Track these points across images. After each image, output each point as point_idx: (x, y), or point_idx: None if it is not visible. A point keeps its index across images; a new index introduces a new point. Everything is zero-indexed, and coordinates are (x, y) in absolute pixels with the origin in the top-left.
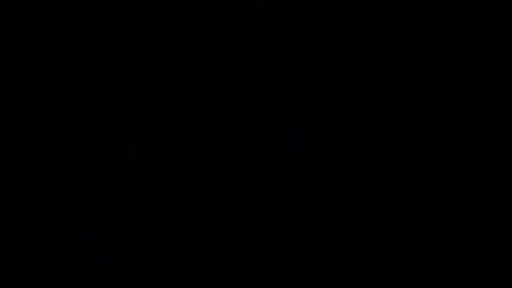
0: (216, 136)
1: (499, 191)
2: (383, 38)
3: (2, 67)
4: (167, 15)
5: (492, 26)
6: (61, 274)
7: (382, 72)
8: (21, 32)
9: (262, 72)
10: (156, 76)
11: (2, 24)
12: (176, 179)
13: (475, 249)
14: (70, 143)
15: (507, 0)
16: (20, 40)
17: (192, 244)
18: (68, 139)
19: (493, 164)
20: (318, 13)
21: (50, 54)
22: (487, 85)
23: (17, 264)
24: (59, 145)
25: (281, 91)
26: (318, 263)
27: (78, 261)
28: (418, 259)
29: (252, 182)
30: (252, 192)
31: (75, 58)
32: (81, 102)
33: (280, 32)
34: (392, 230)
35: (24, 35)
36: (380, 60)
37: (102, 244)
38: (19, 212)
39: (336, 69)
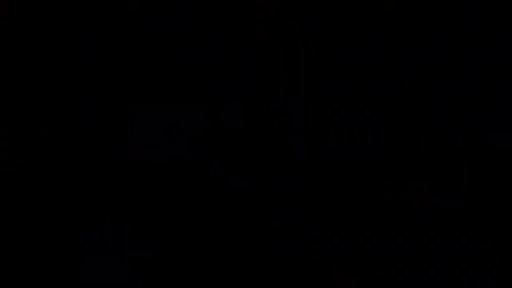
0: (216, 136)
1: (499, 191)
2: (383, 38)
3: (2, 67)
4: (167, 15)
5: (492, 26)
6: (61, 274)
7: (382, 72)
8: (21, 32)
9: (262, 72)
10: (156, 76)
11: (2, 24)
12: (176, 179)
13: (475, 249)
14: (70, 143)
15: (507, 0)
16: (20, 40)
17: (192, 244)
18: (68, 139)
19: (493, 164)
20: (318, 13)
21: (50, 54)
22: (487, 85)
23: (17, 264)
24: (59, 145)
25: (281, 91)
26: (318, 263)
27: (78, 261)
28: (418, 259)
29: (252, 182)
30: (252, 192)
31: (75, 58)
32: (81, 102)
33: (280, 32)
34: (392, 230)
35: (24, 35)
36: (380, 60)
37: (102, 244)
38: (19, 212)
39: (336, 69)
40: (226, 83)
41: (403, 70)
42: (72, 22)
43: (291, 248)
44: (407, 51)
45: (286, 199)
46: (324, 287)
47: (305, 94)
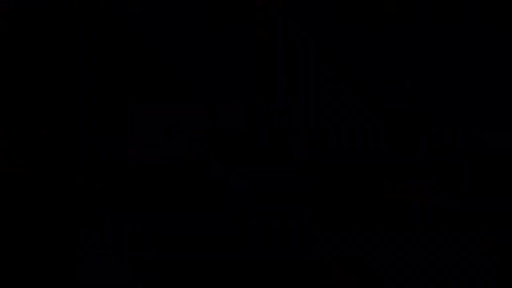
0: (216, 136)
1: (499, 191)
2: (383, 38)
3: (2, 67)
4: (167, 15)
5: (492, 26)
6: (61, 274)
7: (382, 72)
8: (21, 32)
9: (262, 72)
10: (156, 76)
11: (2, 24)
12: (176, 179)
13: (475, 249)
14: (70, 143)
15: (507, 0)
16: (20, 40)
17: (192, 244)
18: (68, 139)
19: (493, 164)
20: (318, 13)
21: (50, 54)
22: (487, 85)
23: (17, 264)
24: (59, 145)
25: (281, 91)
26: (318, 263)
27: (78, 261)
28: (418, 259)
29: (252, 182)
30: (252, 192)
31: (75, 58)
32: (81, 102)
33: (280, 32)
34: (392, 230)
35: (24, 35)
36: (380, 60)
37: (102, 244)
38: (19, 212)
39: (336, 69)
40: (226, 83)
41: (403, 70)
42: (72, 22)
43: (291, 248)
44: (407, 51)
45: (286, 199)
46: (324, 287)
47: (305, 94)
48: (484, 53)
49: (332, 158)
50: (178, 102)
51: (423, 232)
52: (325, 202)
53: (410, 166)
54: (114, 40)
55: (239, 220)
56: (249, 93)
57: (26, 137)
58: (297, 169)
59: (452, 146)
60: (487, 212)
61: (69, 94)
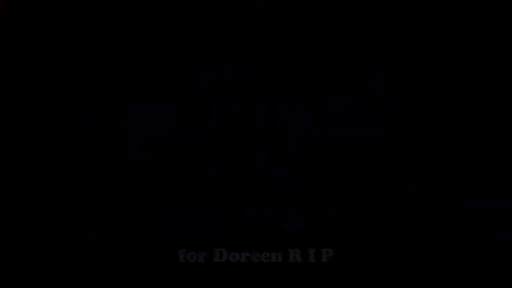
0: (216, 136)
1: (499, 191)
2: (383, 38)
3: (2, 67)
4: (167, 15)
5: (492, 26)
6: (61, 274)
7: (382, 72)
8: (21, 32)
9: (262, 72)
10: (156, 76)
11: (2, 24)
12: (176, 179)
13: (475, 249)
14: (70, 143)
15: (507, 0)
16: (20, 40)
17: (192, 244)
18: (68, 139)
19: (493, 164)
20: (318, 13)
21: (50, 54)
22: (487, 85)
23: (17, 264)
24: (59, 145)
25: (281, 91)
26: (318, 263)
27: (78, 261)
28: (418, 259)
29: (252, 182)
30: (252, 192)
31: (75, 58)
32: (81, 102)
33: (280, 32)
34: (392, 230)
35: (24, 35)
36: (380, 60)
37: (102, 244)
38: (19, 212)
39: (336, 69)
40: (226, 83)
41: (403, 70)
42: (72, 22)
43: (291, 248)
44: (407, 51)
45: (286, 199)
46: (324, 287)
47: (305, 94)
48: (484, 53)
49: (332, 158)
50: (178, 102)
51: (423, 232)
52: (325, 202)
53: (410, 166)
54: (114, 40)
55: (239, 220)
56: (249, 93)
57: (26, 137)
58: (297, 169)
59: (452, 146)
60: (487, 212)
61: (69, 94)
